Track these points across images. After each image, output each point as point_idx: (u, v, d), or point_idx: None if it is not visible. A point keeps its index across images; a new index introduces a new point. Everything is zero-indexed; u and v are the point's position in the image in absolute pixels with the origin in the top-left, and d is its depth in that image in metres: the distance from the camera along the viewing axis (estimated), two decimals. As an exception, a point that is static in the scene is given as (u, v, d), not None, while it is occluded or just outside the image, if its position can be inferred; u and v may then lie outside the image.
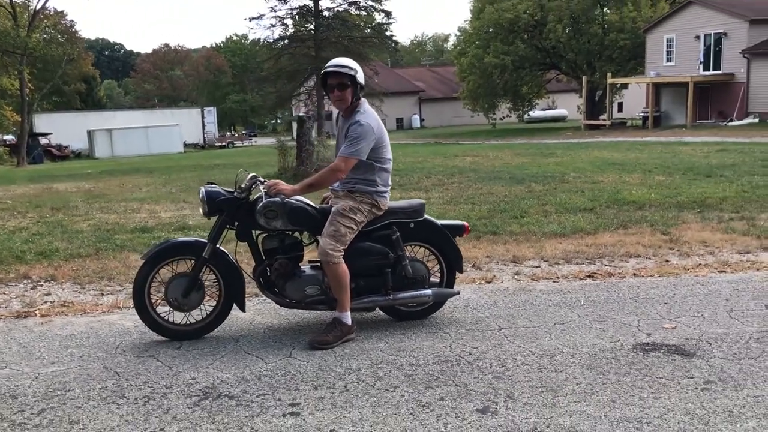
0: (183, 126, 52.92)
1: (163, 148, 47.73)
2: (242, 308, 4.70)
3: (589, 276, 6.20)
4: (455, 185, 12.03)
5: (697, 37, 34.69)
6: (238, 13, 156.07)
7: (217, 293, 4.69)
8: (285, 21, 34.28)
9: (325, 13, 32.15)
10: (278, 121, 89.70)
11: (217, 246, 4.59)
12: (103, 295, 5.76)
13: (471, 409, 3.54)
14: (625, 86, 43.57)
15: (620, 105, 50.03)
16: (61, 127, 51.15)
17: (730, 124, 31.45)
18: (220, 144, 56.66)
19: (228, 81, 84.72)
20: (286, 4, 32.46)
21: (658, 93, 37.19)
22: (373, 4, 32.27)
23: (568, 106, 56.66)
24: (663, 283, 5.85)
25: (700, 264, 6.55)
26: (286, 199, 4.53)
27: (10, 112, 43.10)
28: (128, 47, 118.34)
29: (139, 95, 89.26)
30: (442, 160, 17.20)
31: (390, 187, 4.76)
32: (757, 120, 31.01)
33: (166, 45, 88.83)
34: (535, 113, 54.83)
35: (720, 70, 33.83)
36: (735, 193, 10.11)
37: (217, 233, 4.56)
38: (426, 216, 4.86)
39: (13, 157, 41.76)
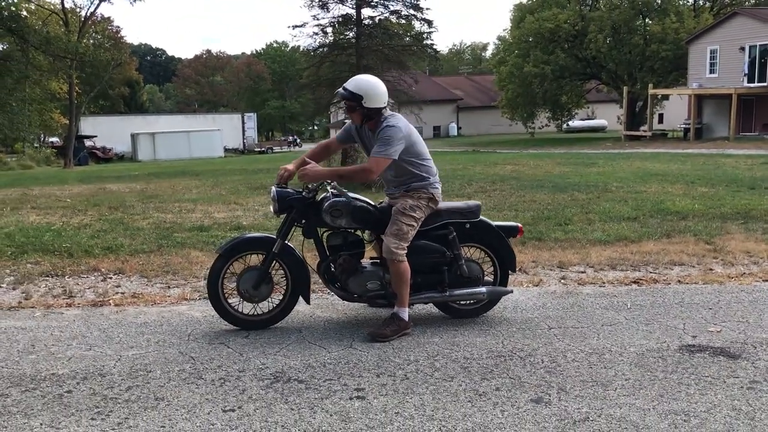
0: (224, 131, 53.86)
1: (204, 152, 48.62)
2: (307, 301, 4.99)
3: (634, 282, 6.36)
4: (497, 192, 12.22)
5: (742, 49, 34.33)
6: (279, 20, 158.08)
7: (284, 286, 4.99)
8: (326, 29, 34.86)
9: (367, 22, 32.54)
10: (315, 127, 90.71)
11: (286, 242, 4.88)
12: (169, 287, 6.10)
13: (526, 399, 3.77)
14: (666, 97, 43.28)
15: (661, 116, 49.61)
16: (106, 130, 52.44)
17: (774, 137, 31.07)
18: (259, 149, 57.50)
19: (267, 87, 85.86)
20: (328, 12, 32.92)
21: (700, 105, 36.87)
22: (415, 13, 32.56)
23: (608, 117, 56.35)
24: (708, 290, 6.00)
25: (744, 273, 6.67)
26: (351, 200, 4.81)
27: (57, 115, 44.40)
28: (170, 53, 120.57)
29: (180, 100, 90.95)
30: (483, 168, 17.40)
31: (438, 177, 4.98)
32: (802, 133, 30.61)
33: (208, 51, 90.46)
34: (574, 123, 54.66)
35: (765, 82, 33.41)
36: (779, 206, 10.13)
37: (286, 230, 4.86)
38: (482, 217, 5.10)
39: (60, 159, 42.99)
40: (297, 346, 4.59)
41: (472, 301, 5.17)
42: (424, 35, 33.60)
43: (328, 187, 4.84)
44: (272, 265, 4.92)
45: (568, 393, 3.84)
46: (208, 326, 5.01)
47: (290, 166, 5.01)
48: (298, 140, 65.62)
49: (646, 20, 42.51)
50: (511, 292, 5.33)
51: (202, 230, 8.51)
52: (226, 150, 53.05)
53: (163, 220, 9.38)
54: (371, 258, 5.11)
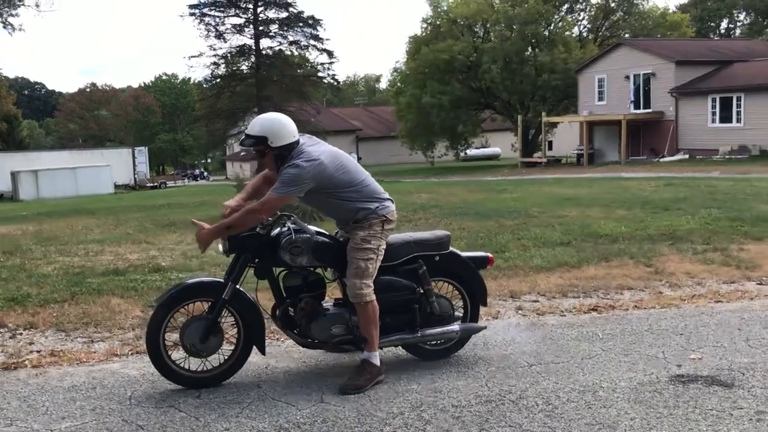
0: (113, 166, 51.44)
1: (92, 189, 46.11)
2: (263, 351, 4.43)
3: (593, 309, 6.16)
4: (423, 221, 11.96)
5: (627, 77, 36.09)
6: (168, 52, 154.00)
7: (236, 336, 4.41)
8: (219, 62, 33.78)
9: (267, 52, 31.91)
10: (209, 160, 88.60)
11: (238, 286, 4.31)
12: (93, 342, 5.35)
13: (536, 451, 3.38)
14: (555, 125, 44.86)
15: (550, 143, 51.34)
16: (-20, 168, 48.96)
17: (662, 160, 32.66)
18: (152, 184, 55.36)
19: (157, 120, 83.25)
20: (225, 42, 32.02)
21: (591, 131, 38.40)
22: (315, 43, 32.23)
23: (501, 145, 57.86)
24: (669, 315, 5.85)
25: (694, 295, 6.61)
26: (313, 234, 4.32)
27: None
28: (49, 87, 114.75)
29: (62, 135, 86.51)
30: (399, 197, 17.02)
31: (386, 194, 4.53)
32: (686, 156, 32.32)
33: (93, 84, 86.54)
34: (471, 152, 55.73)
35: (650, 108, 35.20)
36: (699, 225, 10.35)
37: (238, 272, 4.29)
38: (451, 248, 4.72)
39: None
40: (260, 405, 4.02)
41: (441, 340, 4.76)
42: (325, 65, 33.37)
43: (288, 222, 4.33)
44: (221, 313, 4.33)
45: (579, 440, 3.49)
46: (150, 386, 4.34)
47: (231, 203, 4.46)
48: (206, 173, 63.78)
49: (536, 51, 44.05)
50: (485, 328, 4.96)
51: (118, 274, 7.70)
52: (116, 186, 50.67)
53: (71, 264, 8.46)
54: (335, 299, 4.62)
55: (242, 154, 58.08)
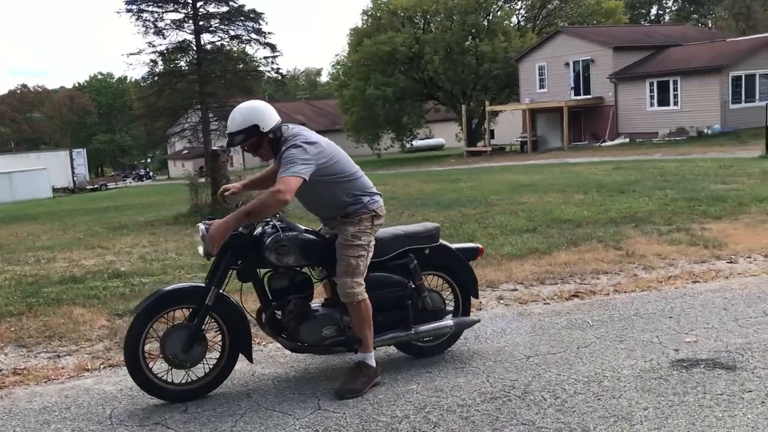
0: (50, 169, 49.75)
1: (30, 194, 44.51)
2: (250, 359, 4.16)
3: (574, 296, 6.08)
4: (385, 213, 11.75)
5: (567, 64, 36.61)
6: (103, 50, 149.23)
7: (221, 344, 4.13)
8: (158, 59, 32.79)
9: (208, 47, 31.18)
10: (149, 160, 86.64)
11: (221, 291, 4.04)
12: (59, 356, 4.98)
13: (555, 449, 3.23)
14: (497, 114, 45.26)
15: (492, 132, 51.74)
16: None
17: (603, 144, 33.24)
18: (91, 187, 53.77)
19: (94, 121, 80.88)
20: (165, 38, 31.15)
21: (533, 118, 38.84)
22: (258, 37, 31.67)
23: (445, 135, 58.13)
24: (652, 298, 5.81)
25: (670, 276, 6.60)
26: (301, 232, 4.08)
27: None
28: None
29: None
30: (352, 191, 16.95)
31: (374, 189, 4.31)
32: (627, 140, 32.98)
33: (24, 85, 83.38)
34: (416, 143, 55.86)
35: (590, 94, 35.79)
36: (658, 207, 10.45)
37: (221, 276, 4.01)
38: (441, 240, 4.54)
39: None
40: (254, 416, 3.77)
41: (435, 336, 4.58)
42: (269, 59, 32.78)
43: (273, 220, 4.07)
44: (205, 320, 4.05)
45: (596, 434, 3.35)
46: (130, 403, 4.04)
47: (232, 186, 4.38)
48: (151, 173, 62.45)
49: (477, 41, 44.25)
50: (479, 321, 4.80)
51: (76, 281, 7.28)
52: (54, 190, 49.01)
53: (23, 273, 7.97)
54: (324, 299, 4.39)
55: (184, 152, 56.89)
